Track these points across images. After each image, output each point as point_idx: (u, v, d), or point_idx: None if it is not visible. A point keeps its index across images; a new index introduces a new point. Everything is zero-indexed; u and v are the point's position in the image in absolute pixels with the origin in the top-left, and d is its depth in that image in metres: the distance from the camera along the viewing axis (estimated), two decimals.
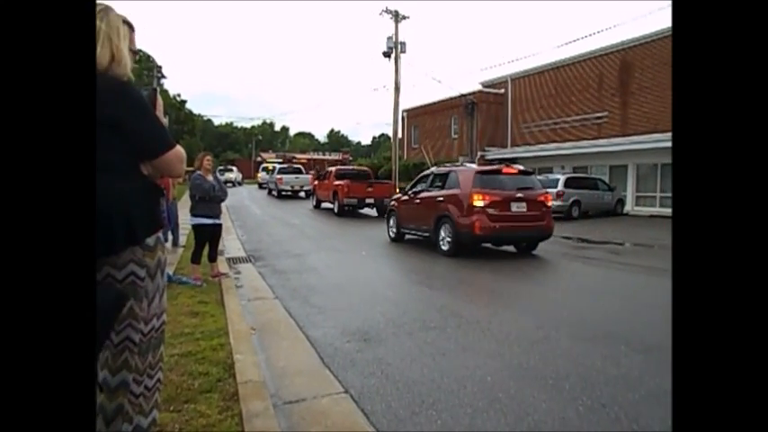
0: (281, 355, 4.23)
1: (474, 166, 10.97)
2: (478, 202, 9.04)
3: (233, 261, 8.90)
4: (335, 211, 18.15)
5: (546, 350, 4.33)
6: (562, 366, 3.92)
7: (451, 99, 30.68)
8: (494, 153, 28.68)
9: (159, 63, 47.21)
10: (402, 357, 4.14)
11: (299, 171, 28.76)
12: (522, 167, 10.77)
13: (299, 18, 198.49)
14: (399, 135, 31.77)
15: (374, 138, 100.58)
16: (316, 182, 21.91)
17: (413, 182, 11.98)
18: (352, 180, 18.56)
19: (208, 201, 6.96)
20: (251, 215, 18.13)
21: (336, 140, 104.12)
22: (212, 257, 7.27)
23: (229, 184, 36.54)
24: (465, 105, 29.56)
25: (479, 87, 31.06)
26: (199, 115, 74.88)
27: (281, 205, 23.20)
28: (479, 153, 28.78)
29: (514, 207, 9.31)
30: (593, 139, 24.25)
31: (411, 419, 3.08)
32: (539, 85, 28.25)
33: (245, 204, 22.59)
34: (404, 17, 29.02)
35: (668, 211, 19.89)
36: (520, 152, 27.55)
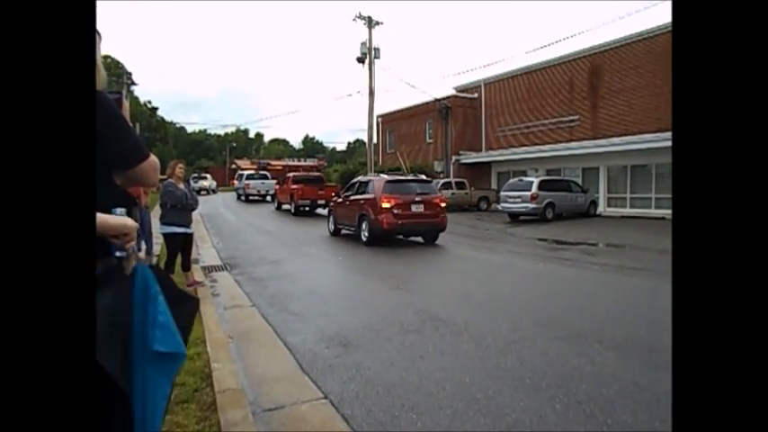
0: (259, 362, 4.20)
1: (385, 176, 13.59)
2: (386, 204, 11.58)
3: (209, 269, 8.80)
4: (292, 211, 20.43)
5: (522, 350, 4.39)
6: (538, 366, 3.99)
7: (426, 104, 30.87)
8: (469, 157, 28.94)
9: (129, 70, 46.33)
10: (381, 361, 4.15)
11: (265, 177, 31.09)
12: (423, 177, 14.33)
13: (273, 23, 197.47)
14: (374, 140, 31.83)
15: (349, 143, 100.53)
16: (277, 186, 25.51)
17: (345, 188, 14.69)
18: (306, 184, 21.44)
19: (179, 209, 6.87)
20: (226, 222, 17.93)
21: (311, 146, 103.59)
22: (186, 266, 7.18)
23: (204, 192, 36.24)
24: (439, 110, 29.78)
25: (453, 92, 31.30)
26: (171, 122, 73.95)
27: (251, 210, 23.21)
28: (454, 157, 29.00)
29: (414, 208, 11.85)
30: (565, 141, 24.66)
31: (391, 423, 3.10)
32: (511, 90, 28.63)
33: (219, 212, 22.34)
34: (377, 23, 29.14)
35: (638, 211, 20.38)
36: (494, 156, 27.87)
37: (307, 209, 20.68)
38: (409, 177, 14.01)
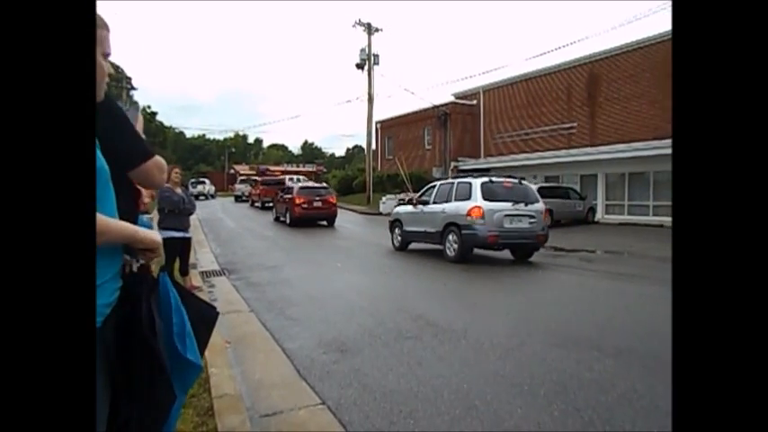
0: (256, 367, 4.18)
1: (300, 184, 20.41)
2: (298, 201, 18.13)
3: (206, 274, 8.78)
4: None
5: (520, 357, 4.38)
6: (536, 372, 3.98)
7: (425, 110, 30.98)
8: (467, 163, 28.99)
9: (129, 74, 46.39)
10: (379, 367, 4.14)
11: (246, 182, 37.60)
12: (324, 184, 22.38)
13: (274, 29, 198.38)
14: (373, 146, 31.92)
15: (348, 149, 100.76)
16: (252, 189, 30.97)
17: (283, 189, 21.43)
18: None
19: (177, 214, 6.87)
20: (224, 228, 17.91)
21: (310, 152, 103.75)
22: (184, 271, 7.17)
23: (202, 197, 36.20)
24: (438, 116, 29.87)
25: (452, 99, 31.43)
26: (170, 127, 73.92)
27: (250, 215, 23.14)
28: (453, 164, 29.04)
29: (315, 203, 18.42)
30: (563, 148, 24.75)
31: (389, 429, 3.08)
32: (510, 97, 28.74)
33: (218, 217, 22.32)
34: (377, 29, 29.36)
35: (635, 218, 20.40)
36: (492, 162, 27.92)
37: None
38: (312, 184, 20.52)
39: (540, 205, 10.68)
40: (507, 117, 28.81)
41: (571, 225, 19.56)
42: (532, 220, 10.35)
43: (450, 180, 11.94)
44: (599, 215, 21.81)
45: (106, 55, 1.55)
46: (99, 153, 1.39)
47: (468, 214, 10.02)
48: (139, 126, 1.98)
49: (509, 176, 11.16)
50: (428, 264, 10.28)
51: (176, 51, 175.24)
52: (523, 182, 11.19)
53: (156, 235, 1.52)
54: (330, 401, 3.47)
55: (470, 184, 10.59)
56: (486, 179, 10.72)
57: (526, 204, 10.39)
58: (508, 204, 10.20)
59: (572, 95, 25.17)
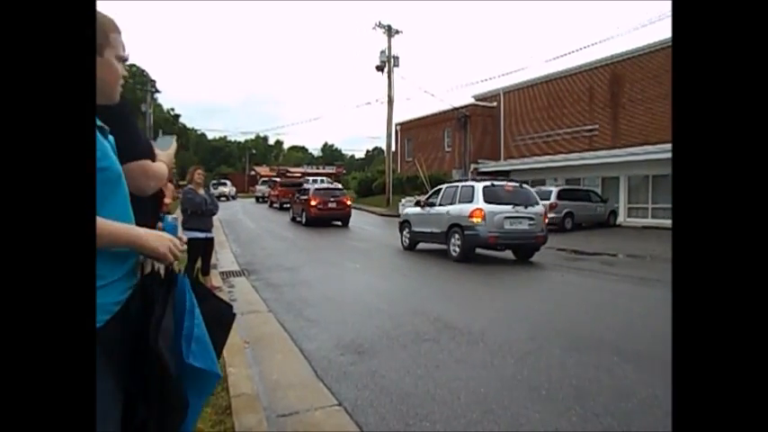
0: (274, 368, 4.22)
1: (316, 185, 21.38)
2: (313, 202, 18.76)
3: (226, 275, 8.88)
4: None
5: (539, 361, 4.34)
6: (555, 377, 3.94)
7: (444, 112, 30.89)
8: (487, 166, 28.82)
9: (153, 78, 47.17)
10: (396, 369, 4.14)
11: (266, 183, 38.02)
12: (339, 186, 24.77)
13: (294, 33, 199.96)
14: (393, 148, 31.93)
15: (368, 151, 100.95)
16: (271, 190, 31.53)
17: (299, 190, 21.97)
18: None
19: (199, 215, 6.96)
20: (244, 229, 18.10)
21: (330, 154, 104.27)
22: (205, 271, 7.25)
23: (223, 198, 36.61)
24: (458, 118, 29.75)
25: (472, 101, 31.28)
26: (192, 129, 75.05)
27: (270, 217, 23.33)
28: (473, 166, 28.89)
29: (330, 204, 19.03)
30: (584, 151, 24.45)
31: (405, 431, 3.08)
32: (531, 99, 28.50)
33: (238, 218, 22.56)
34: (397, 31, 29.38)
35: (659, 222, 20.02)
36: (513, 164, 27.72)
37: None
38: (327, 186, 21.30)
39: (539, 208, 11.11)
40: (528, 119, 28.57)
41: (592, 228, 19.28)
42: (532, 222, 10.77)
43: (455, 183, 12.35)
44: (621, 218, 21.47)
45: (121, 58, 1.51)
46: (111, 152, 1.40)
47: (471, 216, 10.49)
48: (170, 152, 1.98)
49: (494, 178, 12.18)
50: (447, 266, 10.24)
51: (199, 55, 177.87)
52: (524, 185, 11.71)
53: (163, 245, 1.43)
54: (347, 403, 3.48)
55: (473, 187, 11.06)
56: (488, 183, 11.20)
57: (526, 207, 10.80)
58: (509, 207, 10.62)
59: (594, 97, 24.85)
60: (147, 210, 1.61)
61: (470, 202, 10.76)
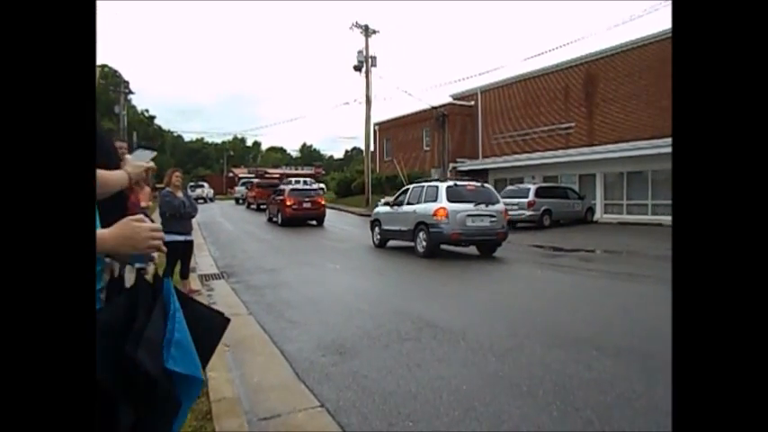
0: (255, 370, 4.18)
1: (291, 186, 21.42)
2: (289, 202, 18.97)
3: (205, 278, 8.77)
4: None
5: (520, 357, 4.38)
6: (535, 373, 3.98)
7: (423, 111, 30.96)
8: (465, 164, 29.00)
9: (126, 78, 46.30)
10: (378, 369, 4.13)
11: (245, 186, 37.14)
12: (315, 186, 25.82)
13: (270, 32, 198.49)
14: (372, 148, 31.94)
15: (347, 151, 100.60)
16: (248, 191, 31.27)
17: (275, 191, 22.18)
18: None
19: (178, 217, 6.86)
20: (223, 231, 17.90)
21: (309, 154, 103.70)
22: (184, 274, 7.15)
23: (200, 201, 36.14)
24: (436, 118, 29.83)
25: (450, 100, 31.42)
26: (168, 131, 73.96)
27: (249, 218, 23.14)
28: (451, 165, 29.04)
29: (305, 204, 19.27)
30: (561, 148, 24.77)
31: (388, 431, 3.08)
32: (508, 97, 28.75)
33: (216, 221, 22.30)
34: (374, 31, 29.38)
35: (634, 218, 20.41)
36: (491, 163, 27.94)
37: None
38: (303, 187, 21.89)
39: (500, 206, 11.79)
40: (505, 118, 28.81)
41: (570, 225, 19.55)
42: (493, 219, 11.39)
43: (421, 183, 12.84)
44: (598, 215, 21.81)
45: None
46: None
47: (435, 214, 11.09)
48: (140, 163, 1.95)
49: (473, 179, 12.98)
50: (419, 263, 10.29)
51: (174, 55, 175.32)
52: (486, 185, 12.47)
53: (125, 244, 1.37)
54: (329, 404, 3.46)
55: (437, 187, 11.71)
56: (451, 183, 11.90)
57: (487, 205, 11.45)
58: (470, 205, 11.24)
59: (569, 95, 25.19)
60: (113, 213, 1.57)
61: (435, 201, 11.35)
